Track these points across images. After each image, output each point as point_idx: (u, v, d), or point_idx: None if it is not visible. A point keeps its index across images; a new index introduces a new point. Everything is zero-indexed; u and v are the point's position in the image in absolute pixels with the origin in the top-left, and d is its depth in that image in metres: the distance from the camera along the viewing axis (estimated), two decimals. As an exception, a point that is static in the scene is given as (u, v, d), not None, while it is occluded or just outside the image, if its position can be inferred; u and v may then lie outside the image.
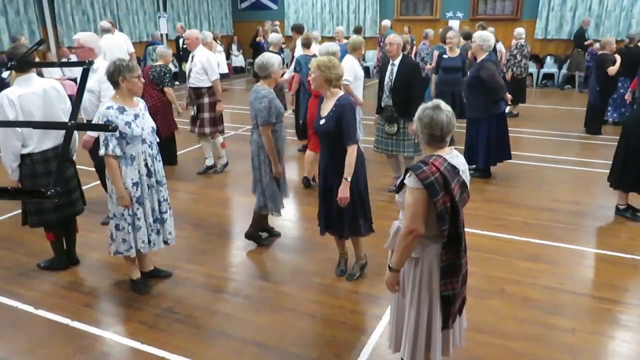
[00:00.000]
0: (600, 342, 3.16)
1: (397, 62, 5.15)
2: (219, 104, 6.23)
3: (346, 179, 3.39)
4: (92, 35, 4.60)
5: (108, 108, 3.27)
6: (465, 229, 2.45)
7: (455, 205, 2.23)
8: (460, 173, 2.29)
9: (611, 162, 5.03)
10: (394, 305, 2.57)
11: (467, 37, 8.29)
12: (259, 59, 3.99)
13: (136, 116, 3.36)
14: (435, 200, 2.16)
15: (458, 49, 7.14)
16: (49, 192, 1.10)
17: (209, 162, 6.49)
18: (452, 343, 2.53)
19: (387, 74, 5.21)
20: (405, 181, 2.25)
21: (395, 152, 5.43)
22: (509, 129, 5.98)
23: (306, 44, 7.44)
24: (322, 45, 5.59)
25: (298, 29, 8.15)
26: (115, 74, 3.26)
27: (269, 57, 3.98)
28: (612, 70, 7.64)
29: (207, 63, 6.04)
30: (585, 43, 11.81)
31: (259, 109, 3.89)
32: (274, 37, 7.37)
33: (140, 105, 3.46)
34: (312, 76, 3.44)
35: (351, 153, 3.40)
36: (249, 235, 4.42)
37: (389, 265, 2.40)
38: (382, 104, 5.32)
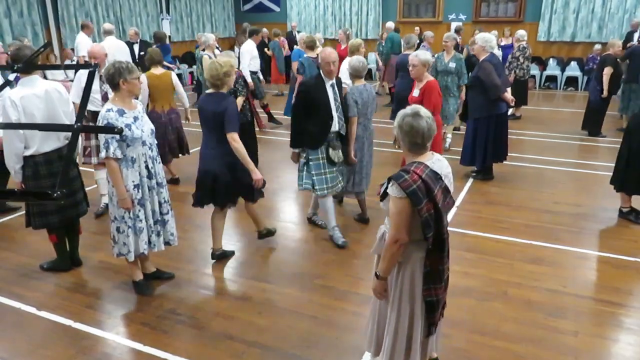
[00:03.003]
0: (603, 345, 3.16)
1: (333, 82, 4.31)
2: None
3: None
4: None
5: (108, 110, 3.28)
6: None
7: (439, 212, 2.21)
8: (443, 178, 2.27)
9: (614, 165, 5.02)
10: (374, 310, 2.57)
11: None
12: (361, 62, 4.47)
13: (135, 118, 3.36)
14: (419, 208, 2.15)
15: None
16: (55, 194, 1.11)
17: (106, 199, 4.64)
18: (430, 348, 2.53)
19: (331, 96, 4.24)
20: (388, 190, 2.24)
21: (347, 188, 4.70)
22: (511, 130, 5.98)
23: (310, 46, 7.47)
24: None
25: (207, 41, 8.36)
26: (116, 76, 3.26)
27: (362, 61, 4.51)
28: (606, 74, 7.61)
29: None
30: (629, 45, 10.27)
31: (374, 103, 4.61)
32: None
33: (139, 107, 3.46)
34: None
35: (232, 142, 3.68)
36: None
37: (376, 273, 2.40)
38: (328, 132, 4.26)
